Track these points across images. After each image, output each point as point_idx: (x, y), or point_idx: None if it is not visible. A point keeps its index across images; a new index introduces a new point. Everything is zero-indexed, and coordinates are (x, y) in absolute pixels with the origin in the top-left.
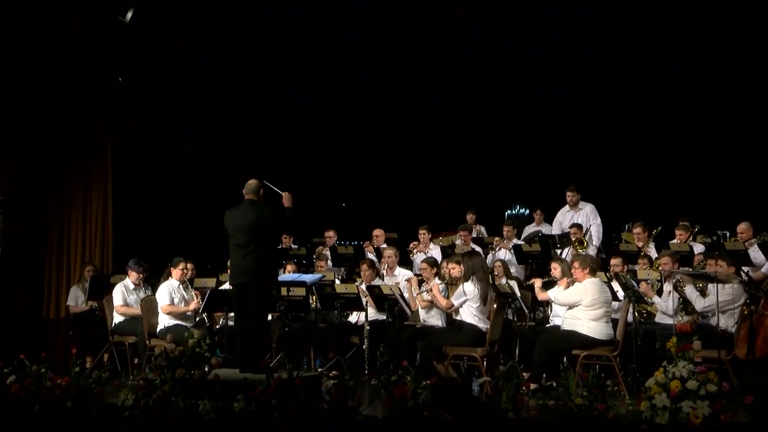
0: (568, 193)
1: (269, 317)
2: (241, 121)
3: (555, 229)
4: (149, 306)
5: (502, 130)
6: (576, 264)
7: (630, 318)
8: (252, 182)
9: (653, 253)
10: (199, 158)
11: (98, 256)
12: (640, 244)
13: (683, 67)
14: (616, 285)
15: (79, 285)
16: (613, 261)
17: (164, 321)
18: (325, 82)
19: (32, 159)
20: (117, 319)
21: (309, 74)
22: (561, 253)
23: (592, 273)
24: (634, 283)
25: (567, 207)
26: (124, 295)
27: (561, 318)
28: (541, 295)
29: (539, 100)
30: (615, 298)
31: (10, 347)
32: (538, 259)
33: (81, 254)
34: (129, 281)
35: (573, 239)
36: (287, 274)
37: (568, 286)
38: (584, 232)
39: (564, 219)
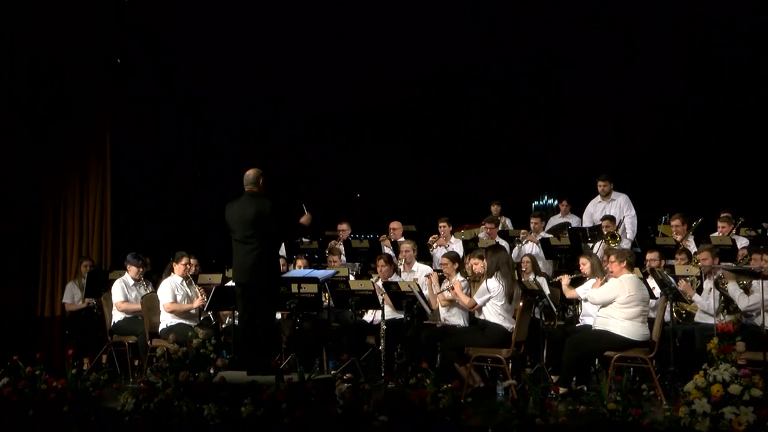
0: (600, 183)
1: (278, 316)
2: (248, 111)
3: (586, 221)
4: (150, 304)
5: (528, 116)
6: (612, 257)
7: (667, 317)
8: (251, 172)
9: (692, 248)
10: (202, 147)
11: (96, 250)
12: (678, 238)
13: (724, 50)
14: (652, 282)
15: (75, 281)
16: (649, 255)
17: (166, 320)
18: (343, 71)
19: (25, 148)
20: (116, 317)
21: (326, 63)
22: (592, 247)
23: (629, 268)
24: (672, 280)
25: (598, 198)
26: (124, 291)
27: (592, 317)
28: (569, 293)
29: (567, 85)
30: (651, 295)
31: (2, 348)
32: (567, 254)
33: (77, 249)
34: (128, 277)
35: (605, 232)
36: (298, 270)
37: (602, 284)
38: (617, 224)
39: (595, 210)
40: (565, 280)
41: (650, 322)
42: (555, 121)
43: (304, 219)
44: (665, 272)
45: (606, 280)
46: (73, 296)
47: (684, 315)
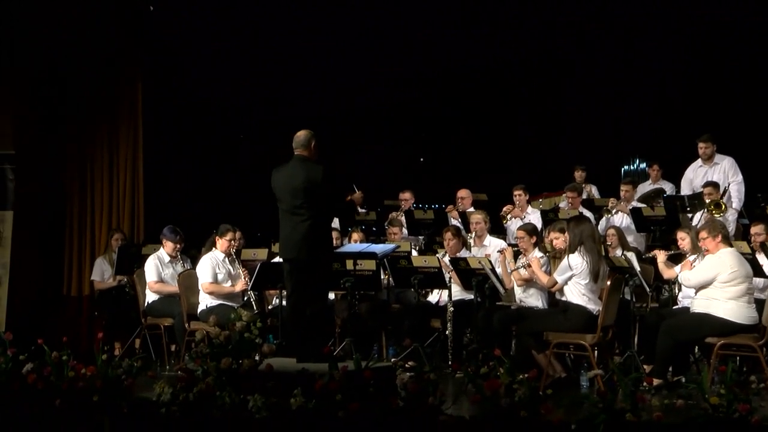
0: (701, 145)
1: (331, 296)
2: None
3: (684, 188)
4: (188, 282)
5: (617, 68)
6: (704, 233)
7: None
8: (301, 134)
9: None
10: (249, 103)
11: (127, 222)
12: None
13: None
14: (762, 258)
15: (105, 256)
16: (754, 229)
17: (206, 300)
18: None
19: (48, 105)
20: (150, 297)
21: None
22: (691, 218)
23: (726, 242)
24: None
25: (699, 161)
26: (158, 268)
27: (692, 298)
28: (666, 273)
29: (657, 29)
30: (761, 274)
31: (26, 331)
32: (663, 226)
33: (107, 220)
34: (164, 252)
35: (707, 201)
36: (353, 244)
37: (693, 264)
38: (721, 192)
39: (696, 176)
40: (661, 257)
41: (759, 304)
42: (649, 74)
43: (356, 197)
44: None
45: (702, 258)
46: (102, 273)
47: None
